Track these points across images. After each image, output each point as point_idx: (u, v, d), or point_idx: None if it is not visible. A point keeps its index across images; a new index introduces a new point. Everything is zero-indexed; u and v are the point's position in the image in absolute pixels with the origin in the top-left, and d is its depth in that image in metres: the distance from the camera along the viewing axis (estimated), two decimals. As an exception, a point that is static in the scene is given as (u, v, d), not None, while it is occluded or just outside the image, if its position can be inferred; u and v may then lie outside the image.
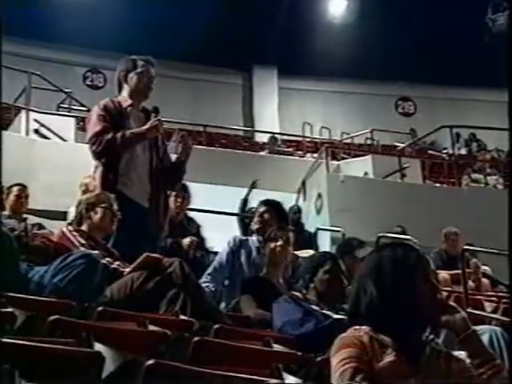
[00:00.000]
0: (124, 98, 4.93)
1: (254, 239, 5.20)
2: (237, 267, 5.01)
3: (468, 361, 2.18)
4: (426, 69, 18.10)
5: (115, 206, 4.36)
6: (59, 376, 2.12)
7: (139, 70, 4.91)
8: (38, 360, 2.10)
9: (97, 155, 4.75)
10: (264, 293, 4.22)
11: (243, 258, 5.05)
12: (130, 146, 4.76)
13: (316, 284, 3.94)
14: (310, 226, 9.06)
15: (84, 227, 4.31)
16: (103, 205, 4.32)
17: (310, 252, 5.68)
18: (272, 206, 5.39)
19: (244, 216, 8.20)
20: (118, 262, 4.07)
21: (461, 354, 2.26)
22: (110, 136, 4.68)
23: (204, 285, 4.66)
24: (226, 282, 5.06)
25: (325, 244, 8.83)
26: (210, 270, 5.07)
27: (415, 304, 2.17)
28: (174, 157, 5.05)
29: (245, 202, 8.97)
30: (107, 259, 4.03)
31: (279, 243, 4.60)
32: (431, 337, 2.23)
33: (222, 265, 5.05)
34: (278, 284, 4.46)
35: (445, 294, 5.66)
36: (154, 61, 5.02)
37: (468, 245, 6.70)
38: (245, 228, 7.40)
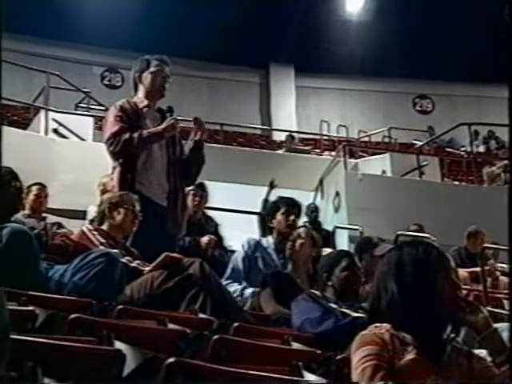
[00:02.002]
0: (140, 99, 4.95)
1: (269, 240, 5.14)
2: (254, 271, 4.90)
3: (489, 359, 2.17)
4: (443, 66, 18.03)
5: (137, 207, 4.37)
6: (81, 374, 2.13)
7: (153, 69, 4.93)
8: (60, 358, 2.11)
9: (114, 155, 4.77)
10: (286, 289, 4.21)
11: (260, 261, 4.97)
12: (147, 146, 4.78)
13: (334, 282, 3.92)
14: (328, 225, 9.05)
15: (104, 226, 4.32)
16: (126, 206, 4.33)
17: (328, 250, 5.66)
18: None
19: (264, 215, 8.17)
20: (137, 261, 4.08)
21: (481, 353, 2.25)
22: (127, 136, 4.69)
23: (229, 288, 4.65)
24: (244, 284, 4.97)
25: (343, 242, 8.82)
26: (226, 275, 4.96)
27: (436, 302, 2.17)
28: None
29: (266, 202, 8.94)
30: (127, 258, 4.05)
31: (299, 241, 4.58)
32: (452, 335, 2.22)
33: (238, 270, 4.95)
34: (300, 282, 4.44)
35: (464, 292, 5.63)
36: (169, 60, 5.04)
37: (492, 243, 6.67)
38: (265, 228, 7.38)
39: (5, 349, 1.78)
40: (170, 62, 5.04)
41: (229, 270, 5.00)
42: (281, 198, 5.42)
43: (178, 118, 4.94)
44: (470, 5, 16.47)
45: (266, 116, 19.50)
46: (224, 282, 4.74)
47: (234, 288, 4.75)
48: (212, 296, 3.72)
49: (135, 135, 4.70)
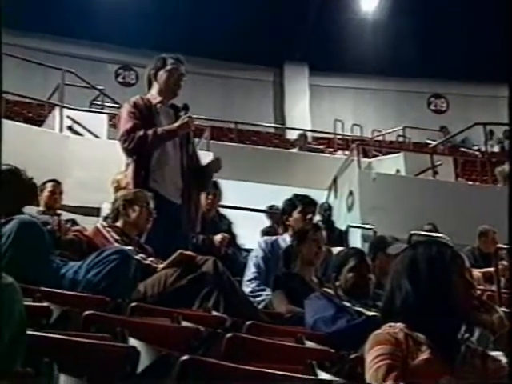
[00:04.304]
0: (153, 96, 4.96)
1: (286, 238, 5.11)
2: (272, 270, 4.86)
3: (504, 359, 2.16)
4: (458, 66, 17.94)
5: (152, 205, 4.38)
6: (96, 370, 2.14)
7: (169, 67, 4.94)
8: (76, 354, 2.12)
9: (128, 152, 4.78)
10: (297, 289, 4.20)
11: (278, 260, 4.95)
12: (162, 143, 4.79)
13: (341, 282, 3.89)
14: (341, 224, 9.03)
15: (119, 223, 4.33)
16: (141, 203, 4.34)
17: (339, 249, 5.64)
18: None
19: (273, 213, 8.14)
20: (151, 259, 4.09)
21: (494, 351, 2.24)
22: (141, 133, 4.71)
23: (257, 294, 4.65)
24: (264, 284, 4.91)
25: (356, 241, 8.79)
26: (249, 276, 4.91)
27: (450, 301, 2.16)
28: (205, 157, 5.06)
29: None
30: (141, 255, 4.05)
31: (319, 245, 4.58)
32: (466, 335, 2.21)
33: (261, 270, 4.91)
34: (310, 281, 4.44)
35: (478, 292, 5.60)
36: (184, 59, 5.05)
37: (504, 244, 6.63)
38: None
39: (21, 343, 1.79)
40: (185, 61, 5.05)
41: (251, 270, 4.95)
42: (297, 196, 5.41)
43: (192, 116, 4.95)
44: (485, 4, 16.37)
45: (279, 115, 19.48)
46: (246, 282, 4.74)
47: (253, 287, 4.74)
48: (225, 294, 3.72)
49: (149, 132, 4.71)
